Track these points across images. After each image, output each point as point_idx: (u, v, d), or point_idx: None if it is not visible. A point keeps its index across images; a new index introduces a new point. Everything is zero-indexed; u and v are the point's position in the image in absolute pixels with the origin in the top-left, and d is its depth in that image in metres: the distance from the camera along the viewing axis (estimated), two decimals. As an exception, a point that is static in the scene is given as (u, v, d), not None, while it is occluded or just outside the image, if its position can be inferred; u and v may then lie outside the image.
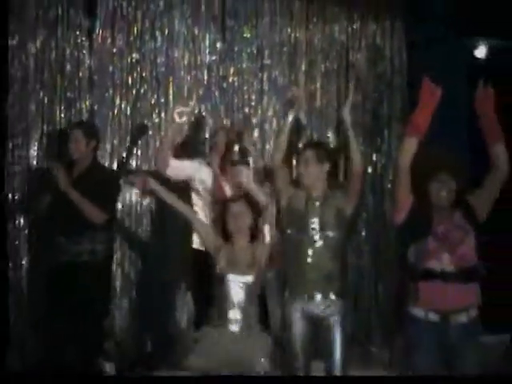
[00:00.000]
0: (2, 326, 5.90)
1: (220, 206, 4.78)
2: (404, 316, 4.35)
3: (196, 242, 5.58)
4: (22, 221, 6.39)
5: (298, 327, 4.61)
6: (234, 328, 4.44)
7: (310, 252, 4.61)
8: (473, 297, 4.18)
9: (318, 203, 4.67)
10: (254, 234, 4.62)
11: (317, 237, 4.62)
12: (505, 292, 6.42)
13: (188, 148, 6.61)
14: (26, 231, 6.37)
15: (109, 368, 5.80)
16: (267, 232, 4.59)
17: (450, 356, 4.16)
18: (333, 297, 4.59)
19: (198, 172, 5.78)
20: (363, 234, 7.29)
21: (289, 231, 4.71)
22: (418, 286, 4.16)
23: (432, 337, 4.15)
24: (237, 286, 4.49)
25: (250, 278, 4.50)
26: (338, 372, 4.52)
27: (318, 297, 4.59)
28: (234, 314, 4.45)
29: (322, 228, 4.63)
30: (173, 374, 5.43)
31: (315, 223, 4.64)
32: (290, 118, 4.88)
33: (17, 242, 6.42)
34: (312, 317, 4.60)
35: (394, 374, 5.02)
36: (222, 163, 5.77)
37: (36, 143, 6.46)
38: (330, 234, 4.63)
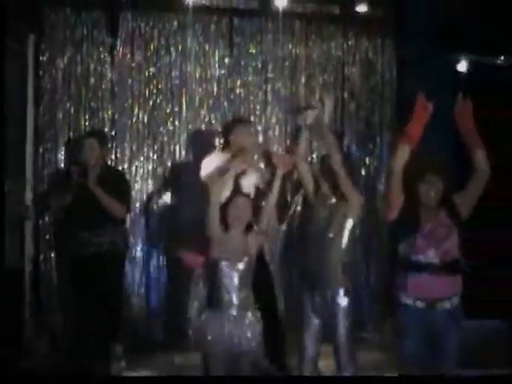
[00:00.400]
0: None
1: (225, 199, 4.96)
2: (394, 304, 4.51)
3: None
4: (47, 218, 6.80)
5: (308, 319, 4.77)
6: (231, 311, 4.57)
7: (317, 250, 4.74)
8: (456, 287, 4.40)
9: (328, 209, 4.79)
10: (248, 227, 4.72)
11: (325, 237, 4.74)
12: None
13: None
14: (51, 227, 6.71)
15: (119, 352, 5.99)
16: (264, 227, 4.76)
17: (435, 338, 4.36)
18: (340, 291, 4.70)
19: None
20: (357, 230, 7.61)
21: (300, 232, 4.99)
22: (407, 277, 4.36)
23: (419, 322, 4.34)
24: (231, 272, 4.62)
25: (241, 266, 4.63)
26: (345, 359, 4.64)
27: (326, 290, 4.71)
28: (230, 298, 4.58)
29: (330, 230, 4.73)
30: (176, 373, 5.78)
31: (324, 226, 4.76)
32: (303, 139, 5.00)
33: (44, 238, 6.83)
34: (319, 308, 4.74)
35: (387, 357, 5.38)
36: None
37: (63, 148, 6.96)
38: (337, 235, 4.74)
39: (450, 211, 4.48)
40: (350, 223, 4.78)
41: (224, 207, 4.72)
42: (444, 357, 4.41)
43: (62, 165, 6.89)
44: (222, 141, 6.31)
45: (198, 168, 5.82)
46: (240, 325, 4.57)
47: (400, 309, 4.46)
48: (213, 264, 4.65)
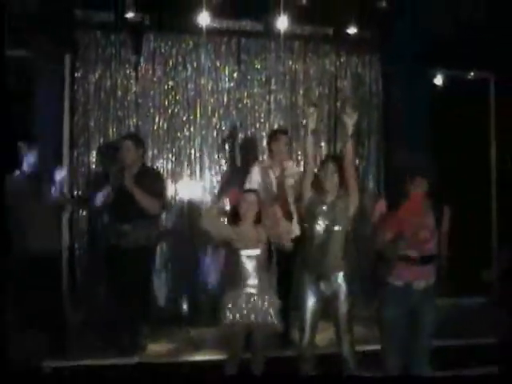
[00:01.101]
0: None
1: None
2: (379, 284, 4.93)
3: None
4: (84, 213, 7.26)
5: (310, 303, 5.11)
6: (249, 290, 4.98)
7: (322, 242, 5.06)
8: (431, 273, 4.88)
9: (330, 204, 5.10)
10: (257, 218, 5.09)
11: (327, 230, 5.07)
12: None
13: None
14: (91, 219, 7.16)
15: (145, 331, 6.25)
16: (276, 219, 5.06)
17: (412, 311, 4.82)
18: (340, 277, 5.08)
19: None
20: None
21: (307, 225, 5.16)
22: (392, 266, 4.80)
23: (398, 297, 4.81)
24: (248, 258, 4.99)
25: (257, 251, 5.02)
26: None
27: (329, 277, 5.06)
28: (248, 280, 4.98)
29: (333, 223, 5.07)
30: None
31: (327, 220, 5.08)
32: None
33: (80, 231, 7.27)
34: (322, 294, 5.09)
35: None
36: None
37: (94, 152, 7.43)
38: (339, 227, 5.09)
39: (439, 216, 4.89)
40: (350, 216, 5.16)
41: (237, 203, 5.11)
42: (420, 329, 4.87)
43: (102, 165, 7.27)
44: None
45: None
46: (259, 303, 4.97)
47: (383, 287, 4.90)
48: (234, 252, 5.05)
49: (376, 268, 5.14)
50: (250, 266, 5.02)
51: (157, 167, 7.50)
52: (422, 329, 4.90)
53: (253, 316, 4.98)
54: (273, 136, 6.52)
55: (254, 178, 6.36)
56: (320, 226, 5.12)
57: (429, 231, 4.83)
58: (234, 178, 7.33)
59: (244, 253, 5.03)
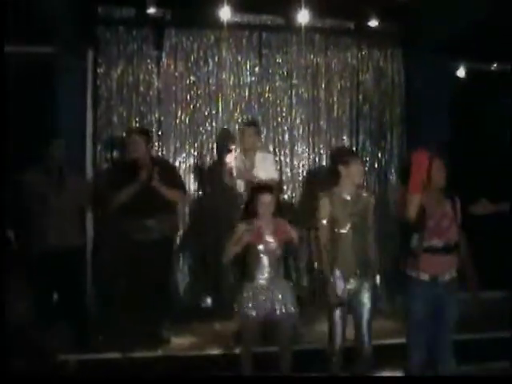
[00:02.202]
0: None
1: (251, 194, 5.34)
2: (404, 278, 4.89)
3: None
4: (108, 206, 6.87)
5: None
6: (264, 282, 5.08)
7: (344, 240, 5.07)
8: (454, 264, 4.89)
9: (353, 203, 5.12)
10: (274, 215, 5.18)
11: (351, 228, 5.08)
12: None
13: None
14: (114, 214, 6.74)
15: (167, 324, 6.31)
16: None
17: (437, 304, 4.82)
18: (364, 274, 5.10)
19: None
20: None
21: (328, 224, 5.12)
22: (417, 258, 4.78)
23: (424, 291, 4.81)
24: (264, 251, 5.10)
25: (273, 246, 5.12)
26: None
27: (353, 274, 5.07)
28: (264, 272, 5.09)
29: (356, 222, 5.09)
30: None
31: (351, 218, 5.08)
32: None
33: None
34: (348, 291, 5.07)
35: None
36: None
37: (118, 147, 7.39)
38: (361, 225, 5.13)
39: (453, 205, 4.95)
40: (372, 214, 5.26)
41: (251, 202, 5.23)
42: (445, 323, 4.90)
43: (120, 160, 7.27)
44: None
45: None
46: (275, 295, 5.06)
47: (410, 282, 4.88)
48: (252, 246, 5.14)
49: (399, 263, 5.09)
50: (265, 259, 5.12)
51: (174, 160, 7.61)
52: (446, 322, 4.93)
53: (270, 308, 5.05)
54: (240, 129, 6.74)
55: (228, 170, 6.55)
56: (344, 221, 5.13)
57: (449, 219, 4.91)
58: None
59: (260, 247, 5.11)
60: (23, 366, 5.15)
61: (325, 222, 5.11)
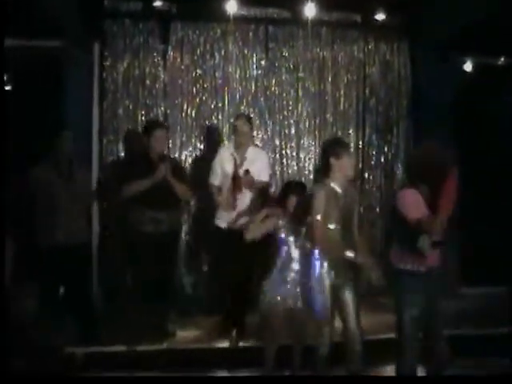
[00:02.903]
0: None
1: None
2: (402, 271, 4.81)
3: None
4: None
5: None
6: (288, 276, 5.14)
7: (335, 231, 5.04)
8: (439, 259, 4.88)
9: (343, 196, 5.08)
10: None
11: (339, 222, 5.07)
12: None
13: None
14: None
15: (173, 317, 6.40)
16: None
17: (429, 296, 4.81)
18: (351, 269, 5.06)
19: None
20: (377, 209, 8.02)
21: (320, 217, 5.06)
22: (409, 253, 4.76)
23: (418, 283, 4.78)
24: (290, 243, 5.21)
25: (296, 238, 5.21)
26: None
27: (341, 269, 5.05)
28: (287, 265, 5.16)
29: (345, 216, 5.10)
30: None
31: (340, 212, 5.06)
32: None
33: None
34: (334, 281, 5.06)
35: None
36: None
37: (124, 140, 7.45)
38: (349, 220, 5.14)
39: None
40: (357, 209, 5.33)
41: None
42: (437, 314, 4.91)
43: (126, 154, 7.35)
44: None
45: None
46: (296, 288, 5.13)
47: (405, 274, 4.82)
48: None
49: (391, 256, 5.05)
50: (291, 251, 5.20)
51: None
52: (438, 313, 4.94)
53: (291, 301, 5.10)
54: (233, 121, 6.63)
55: (217, 165, 6.52)
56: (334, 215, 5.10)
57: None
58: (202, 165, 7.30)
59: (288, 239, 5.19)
60: (31, 359, 5.16)
61: (319, 217, 4.98)
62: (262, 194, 6.43)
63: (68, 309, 6.08)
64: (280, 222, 5.23)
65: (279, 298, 5.12)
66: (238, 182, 6.33)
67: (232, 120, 7.37)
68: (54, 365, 5.35)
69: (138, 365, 5.72)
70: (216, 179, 6.54)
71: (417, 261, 4.77)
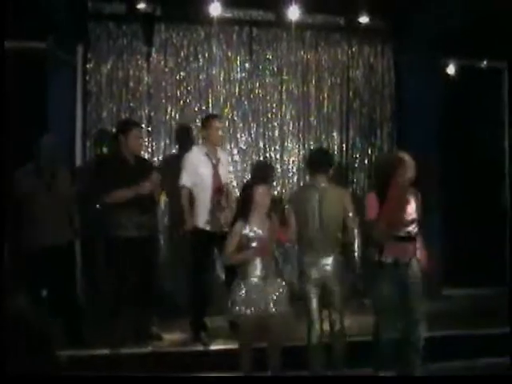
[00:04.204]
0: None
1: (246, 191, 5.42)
2: (375, 263, 5.34)
3: None
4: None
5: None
6: (256, 280, 5.06)
7: (317, 228, 5.41)
8: (414, 250, 5.42)
9: (321, 196, 5.45)
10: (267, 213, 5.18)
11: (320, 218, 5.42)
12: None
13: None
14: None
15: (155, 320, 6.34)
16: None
17: (401, 284, 5.34)
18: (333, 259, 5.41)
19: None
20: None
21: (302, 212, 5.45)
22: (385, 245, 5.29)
23: (390, 272, 5.32)
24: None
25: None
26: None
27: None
28: (256, 270, 5.07)
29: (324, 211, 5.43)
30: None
31: (319, 208, 5.44)
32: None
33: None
34: (320, 276, 5.39)
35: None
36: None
37: (95, 141, 7.35)
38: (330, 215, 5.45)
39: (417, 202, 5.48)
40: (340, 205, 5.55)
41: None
42: (410, 301, 5.36)
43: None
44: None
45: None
46: (269, 292, 5.06)
47: (378, 266, 5.36)
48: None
49: (367, 250, 5.53)
50: (259, 258, 5.12)
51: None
52: (411, 299, 5.38)
53: (263, 305, 5.03)
54: (206, 122, 6.51)
55: (192, 166, 6.39)
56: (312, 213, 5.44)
57: (411, 216, 5.41)
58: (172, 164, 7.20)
59: (254, 244, 5.11)
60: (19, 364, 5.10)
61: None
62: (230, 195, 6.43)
63: (51, 312, 5.89)
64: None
65: (248, 305, 5.05)
66: (217, 185, 6.32)
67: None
68: (38, 367, 5.26)
69: (122, 368, 5.68)
70: (188, 180, 6.41)
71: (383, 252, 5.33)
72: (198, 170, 6.36)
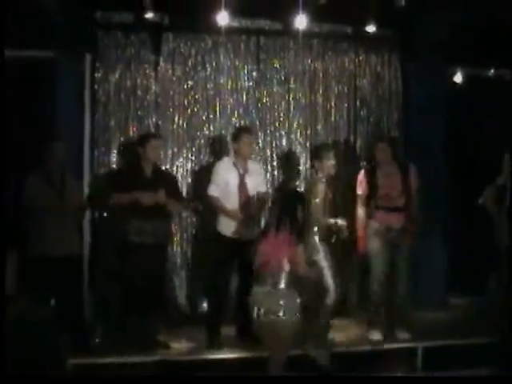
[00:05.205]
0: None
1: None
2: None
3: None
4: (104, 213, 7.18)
5: None
6: (268, 288, 5.18)
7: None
8: (402, 219, 6.60)
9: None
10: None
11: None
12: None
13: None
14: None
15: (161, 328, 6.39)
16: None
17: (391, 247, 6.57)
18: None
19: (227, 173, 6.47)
20: None
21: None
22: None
23: (382, 234, 6.59)
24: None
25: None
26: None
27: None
28: (273, 279, 5.17)
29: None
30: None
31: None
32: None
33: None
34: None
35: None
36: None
37: (115, 151, 7.45)
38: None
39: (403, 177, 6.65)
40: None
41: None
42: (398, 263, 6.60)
43: (118, 165, 7.35)
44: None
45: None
46: (281, 298, 5.13)
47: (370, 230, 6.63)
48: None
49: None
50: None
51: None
52: (400, 261, 6.64)
53: (281, 313, 5.07)
54: (237, 135, 6.62)
55: (220, 176, 6.52)
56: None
57: (397, 191, 6.63)
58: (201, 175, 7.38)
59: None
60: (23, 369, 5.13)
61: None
62: (262, 204, 6.59)
63: (60, 320, 5.94)
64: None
65: (267, 311, 5.11)
66: (244, 192, 6.45)
67: (226, 131, 7.56)
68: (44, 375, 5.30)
69: (129, 376, 5.69)
70: (215, 190, 6.53)
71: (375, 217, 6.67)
72: (224, 180, 6.47)
